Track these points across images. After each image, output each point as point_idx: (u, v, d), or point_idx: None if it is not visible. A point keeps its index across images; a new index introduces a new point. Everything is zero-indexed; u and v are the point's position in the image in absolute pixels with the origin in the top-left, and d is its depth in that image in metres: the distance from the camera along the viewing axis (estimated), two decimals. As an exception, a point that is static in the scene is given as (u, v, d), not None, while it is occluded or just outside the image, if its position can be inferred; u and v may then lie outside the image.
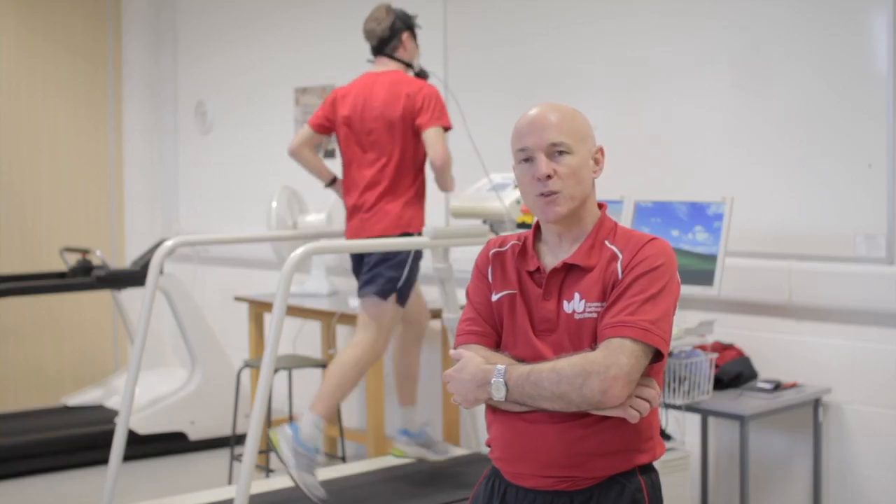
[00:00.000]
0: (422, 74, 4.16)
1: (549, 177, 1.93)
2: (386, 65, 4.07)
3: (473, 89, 4.90)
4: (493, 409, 1.98)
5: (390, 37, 4.05)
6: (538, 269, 1.99)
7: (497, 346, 2.01)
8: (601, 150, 2.03)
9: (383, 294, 3.94)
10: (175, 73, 6.95)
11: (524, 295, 1.99)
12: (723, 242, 3.54)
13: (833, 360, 3.73)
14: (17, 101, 6.61)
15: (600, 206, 2.04)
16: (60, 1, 6.74)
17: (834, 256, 3.68)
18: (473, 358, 1.94)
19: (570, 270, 1.96)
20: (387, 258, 3.94)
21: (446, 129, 3.95)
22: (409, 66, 4.10)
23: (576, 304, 1.93)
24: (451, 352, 2.01)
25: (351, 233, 4.08)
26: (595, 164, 2.01)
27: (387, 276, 3.93)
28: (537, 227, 2.05)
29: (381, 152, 3.97)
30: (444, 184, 4.01)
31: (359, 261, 4.09)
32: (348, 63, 5.32)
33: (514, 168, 2.03)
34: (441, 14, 5.04)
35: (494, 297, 2.02)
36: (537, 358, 1.92)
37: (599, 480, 1.92)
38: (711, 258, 3.55)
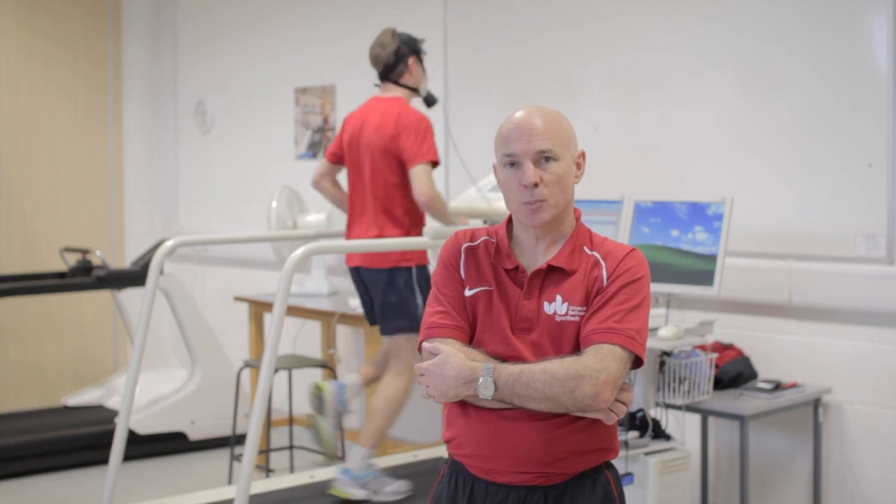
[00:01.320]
0: (429, 100, 4.11)
1: (535, 184, 1.93)
2: (391, 91, 4.01)
3: (473, 89, 4.91)
4: (464, 405, 1.97)
5: (395, 62, 3.99)
6: (517, 268, 1.99)
7: (469, 342, 1.99)
8: (583, 155, 2.03)
9: (405, 329, 3.93)
10: (175, 73, 6.95)
11: (502, 292, 1.99)
12: (723, 242, 3.54)
13: (833, 360, 3.73)
14: (17, 101, 6.61)
15: (575, 211, 2.05)
16: (60, 1, 6.75)
17: (834, 256, 3.68)
18: (455, 353, 1.92)
19: (551, 272, 1.97)
20: (393, 291, 3.92)
21: (435, 164, 3.89)
22: (414, 91, 4.05)
23: (558, 306, 1.95)
24: (425, 344, 1.97)
25: (353, 260, 4.05)
26: (577, 168, 2.01)
27: (402, 311, 3.92)
28: (509, 223, 2.05)
29: (370, 179, 3.93)
30: (438, 218, 3.92)
31: (363, 290, 4.06)
32: (348, 63, 5.33)
33: (496, 170, 2.02)
34: (441, 14, 5.04)
35: (468, 293, 2.00)
36: (515, 356, 1.93)
37: (571, 476, 1.96)
38: (711, 258, 3.55)
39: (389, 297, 3.92)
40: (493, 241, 2.03)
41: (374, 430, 3.89)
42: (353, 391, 3.98)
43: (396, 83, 4.02)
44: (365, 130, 3.96)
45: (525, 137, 1.94)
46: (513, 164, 1.96)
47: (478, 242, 2.04)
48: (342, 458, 3.81)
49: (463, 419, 1.98)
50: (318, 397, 3.88)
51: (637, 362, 1.93)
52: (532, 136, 1.94)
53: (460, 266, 2.03)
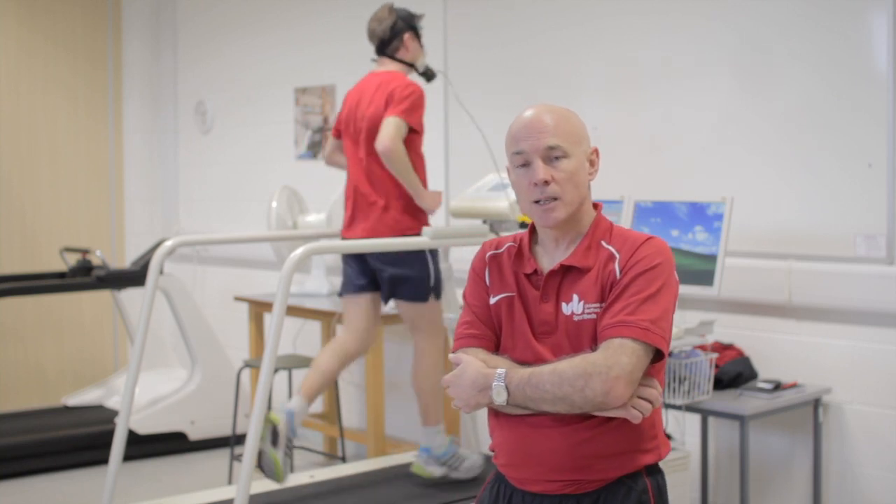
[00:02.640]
0: (427, 74, 4.13)
1: (546, 182, 1.91)
2: (386, 65, 4.06)
3: (473, 89, 4.90)
4: (496, 414, 1.97)
5: (391, 37, 4.03)
6: (535, 272, 1.98)
7: (496, 349, 1.99)
8: (596, 152, 2.02)
9: (420, 297, 3.98)
10: (175, 73, 6.95)
11: (522, 297, 1.98)
12: (723, 242, 3.54)
13: (833, 360, 3.73)
14: (17, 101, 6.60)
15: (595, 205, 2.03)
16: (60, 1, 6.74)
17: (834, 256, 3.68)
18: (473, 362, 1.92)
19: (567, 272, 1.95)
20: (403, 261, 3.94)
21: (412, 129, 3.88)
22: (411, 66, 4.08)
23: (574, 306, 1.92)
24: (451, 356, 1.99)
25: (347, 230, 4.08)
26: (591, 165, 2.00)
27: (414, 280, 3.96)
28: (533, 229, 2.04)
29: (372, 153, 3.95)
30: (398, 175, 3.84)
31: (359, 260, 4.08)
32: (348, 63, 5.33)
33: (508, 171, 2.02)
34: (441, 14, 5.04)
35: (492, 300, 2.01)
36: (538, 360, 1.92)
37: (605, 483, 1.92)
38: (711, 258, 3.55)
39: (402, 268, 3.94)
40: (516, 245, 2.03)
41: (425, 406, 4.04)
42: (300, 416, 3.83)
43: (392, 58, 4.06)
44: (361, 104, 3.99)
45: (534, 135, 1.93)
46: (523, 164, 1.95)
47: (502, 249, 2.04)
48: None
49: (498, 429, 1.99)
50: (271, 430, 3.74)
51: (659, 354, 1.87)
52: (541, 133, 1.92)
53: (485, 274, 2.03)
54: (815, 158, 3.74)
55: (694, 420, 3.96)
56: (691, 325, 3.62)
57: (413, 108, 3.87)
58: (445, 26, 5.02)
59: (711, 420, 3.98)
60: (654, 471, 1.98)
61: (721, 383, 3.72)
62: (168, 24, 6.96)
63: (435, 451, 4.03)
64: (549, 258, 1.99)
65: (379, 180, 3.94)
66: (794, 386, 3.71)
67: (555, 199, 1.92)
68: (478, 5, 4.92)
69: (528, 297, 1.97)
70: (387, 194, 3.94)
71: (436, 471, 4.02)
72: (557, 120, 1.94)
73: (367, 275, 4.06)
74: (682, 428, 3.69)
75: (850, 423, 3.71)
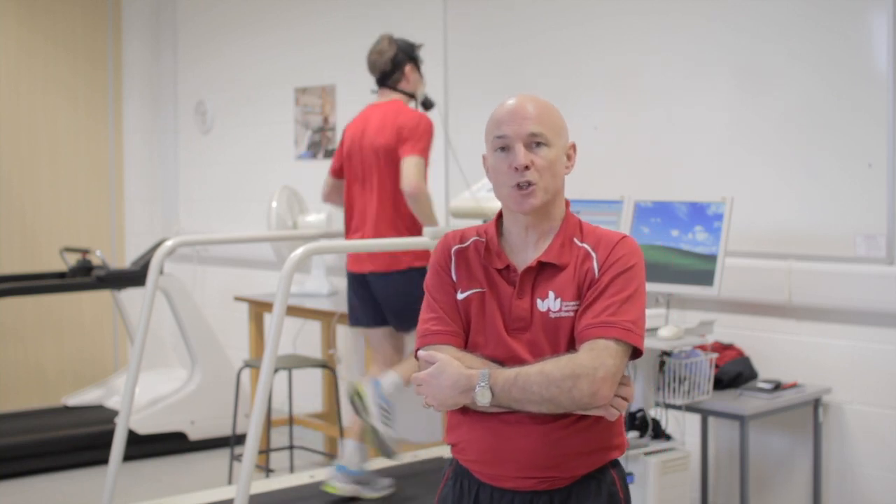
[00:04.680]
0: (426, 104, 4.13)
1: (526, 167, 1.92)
2: (388, 96, 4.05)
3: (473, 89, 4.91)
4: (465, 410, 1.95)
5: (392, 69, 4.02)
6: (508, 267, 1.97)
7: (465, 345, 1.97)
8: (573, 147, 2.02)
9: None
10: (175, 73, 6.95)
11: (495, 293, 1.97)
12: (723, 242, 3.54)
13: (833, 360, 3.73)
14: (17, 101, 6.61)
15: (565, 202, 2.03)
16: (60, 1, 6.75)
17: (834, 256, 3.68)
18: (451, 361, 1.90)
19: (542, 268, 1.95)
20: (412, 294, 3.92)
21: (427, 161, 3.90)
22: (411, 97, 4.08)
23: (551, 303, 1.93)
24: (421, 353, 1.95)
25: (353, 264, 4.04)
26: (567, 159, 2.00)
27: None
28: (498, 220, 2.04)
29: (377, 183, 3.94)
30: (420, 215, 3.90)
31: (367, 295, 4.04)
32: (348, 63, 5.33)
33: (485, 157, 2.01)
34: (441, 14, 5.04)
35: (461, 296, 1.98)
36: (511, 357, 1.91)
37: (576, 479, 1.94)
38: (711, 258, 3.55)
39: (411, 299, 3.93)
40: (483, 240, 2.02)
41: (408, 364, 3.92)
42: (390, 388, 3.79)
43: (394, 89, 4.05)
44: (367, 135, 3.98)
45: (517, 121, 1.94)
46: (503, 148, 1.95)
47: (467, 244, 2.02)
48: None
49: (465, 425, 1.96)
50: (358, 399, 3.76)
51: (636, 353, 1.90)
52: (524, 120, 1.93)
53: (451, 269, 2.01)
54: (815, 158, 3.74)
55: (694, 420, 3.96)
56: (691, 325, 3.62)
57: (429, 144, 3.90)
58: (445, 26, 5.02)
59: (711, 420, 3.98)
60: (616, 464, 2.02)
61: (721, 383, 3.72)
62: (168, 24, 6.96)
63: (351, 468, 3.86)
64: (518, 253, 1.99)
65: (390, 218, 3.93)
66: (794, 386, 3.71)
67: (532, 184, 1.92)
68: (478, 5, 4.92)
69: (500, 293, 1.96)
70: (398, 232, 3.93)
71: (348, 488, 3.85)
72: (541, 110, 1.96)
73: (380, 311, 4.05)
74: (682, 428, 3.69)
75: (850, 423, 3.71)
